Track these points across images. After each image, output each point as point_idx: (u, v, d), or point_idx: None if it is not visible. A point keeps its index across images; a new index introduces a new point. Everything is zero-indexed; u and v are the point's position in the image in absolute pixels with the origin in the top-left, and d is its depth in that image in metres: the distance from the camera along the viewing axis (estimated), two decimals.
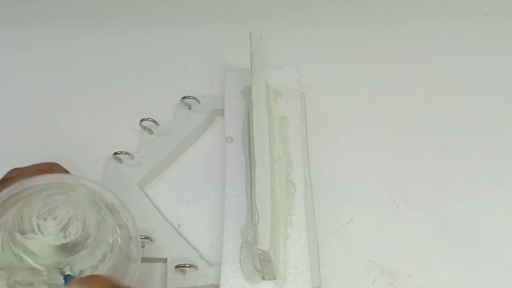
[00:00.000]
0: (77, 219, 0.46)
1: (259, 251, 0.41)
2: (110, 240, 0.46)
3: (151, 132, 0.55)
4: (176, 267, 0.47)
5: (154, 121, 0.54)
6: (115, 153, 0.53)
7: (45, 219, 0.45)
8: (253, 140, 0.47)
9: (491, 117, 0.57)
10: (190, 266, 0.47)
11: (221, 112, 0.56)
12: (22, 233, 0.44)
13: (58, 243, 0.42)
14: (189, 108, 0.57)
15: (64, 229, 0.45)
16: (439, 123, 0.57)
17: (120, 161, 0.53)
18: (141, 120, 0.54)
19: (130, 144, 0.56)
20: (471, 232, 0.50)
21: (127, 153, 0.53)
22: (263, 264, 0.43)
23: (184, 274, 0.47)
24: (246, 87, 0.56)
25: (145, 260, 0.49)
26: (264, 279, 0.45)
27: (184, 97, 0.56)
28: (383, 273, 0.48)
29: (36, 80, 0.61)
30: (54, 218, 0.45)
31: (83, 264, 0.45)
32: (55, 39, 0.64)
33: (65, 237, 0.45)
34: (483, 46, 0.62)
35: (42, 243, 0.44)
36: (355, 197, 0.52)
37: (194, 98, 0.56)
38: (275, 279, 0.45)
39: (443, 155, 0.55)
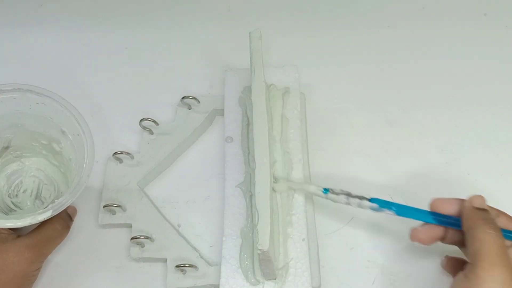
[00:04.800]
0: (45, 183, 0.48)
1: (259, 251, 0.41)
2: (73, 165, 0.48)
3: (151, 132, 0.55)
4: (176, 267, 0.47)
5: (154, 121, 0.54)
6: (115, 153, 0.53)
7: (16, 195, 0.48)
8: (253, 140, 0.47)
9: (491, 117, 0.57)
10: (190, 266, 0.47)
11: (221, 112, 0.56)
12: (6, 214, 0.48)
13: (39, 211, 0.43)
14: (189, 108, 0.56)
15: (37, 197, 0.48)
16: (439, 123, 0.57)
17: (120, 161, 0.53)
18: (141, 120, 0.54)
19: (130, 144, 0.56)
20: None
21: (127, 153, 0.53)
22: (263, 264, 0.43)
23: (184, 274, 0.47)
24: (246, 87, 0.56)
25: (145, 260, 0.49)
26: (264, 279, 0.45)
27: (184, 97, 0.56)
28: (383, 273, 0.48)
29: (36, 80, 0.61)
30: (24, 192, 0.48)
31: None
32: (55, 39, 0.64)
33: (42, 203, 0.48)
34: (483, 46, 0.62)
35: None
36: None
37: (194, 98, 0.56)
38: (275, 279, 0.45)
39: (443, 155, 0.55)
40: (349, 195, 0.45)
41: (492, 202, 0.52)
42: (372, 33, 0.64)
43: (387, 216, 0.51)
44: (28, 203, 0.49)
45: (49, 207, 0.43)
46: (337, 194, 0.46)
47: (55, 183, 0.50)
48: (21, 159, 0.51)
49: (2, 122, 0.48)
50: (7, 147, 0.50)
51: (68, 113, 0.47)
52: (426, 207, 0.52)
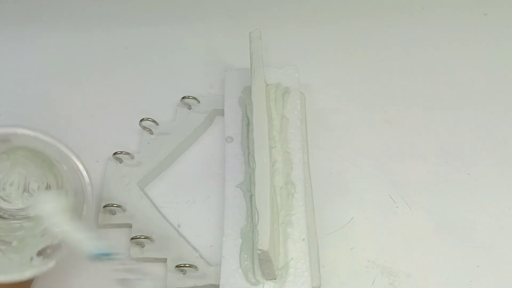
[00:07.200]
0: (33, 176, 0.48)
1: (259, 251, 0.41)
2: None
3: (151, 132, 0.55)
4: (176, 267, 0.47)
5: (154, 121, 0.54)
6: (115, 153, 0.53)
7: (3, 188, 0.47)
8: (253, 140, 0.47)
9: (491, 117, 0.57)
10: (190, 266, 0.47)
11: (221, 112, 0.56)
12: None
13: (29, 202, 0.43)
14: (189, 108, 0.57)
15: (25, 189, 0.47)
16: (439, 123, 0.57)
17: (120, 161, 0.53)
18: (141, 120, 0.54)
19: (130, 144, 0.56)
20: (471, 232, 0.50)
21: (127, 153, 0.53)
22: (263, 264, 0.43)
23: (184, 274, 0.47)
24: (246, 87, 0.56)
25: (145, 260, 0.49)
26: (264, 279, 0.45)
27: (184, 97, 0.56)
28: (383, 273, 0.48)
29: (36, 80, 0.61)
30: (11, 185, 0.47)
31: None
32: (55, 39, 0.64)
33: (31, 195, 0.47)
34: (483, 46, 0.62)
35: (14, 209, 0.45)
36: (355, 197, 0.52)
37: (194, 98, 0.56)
38: (275, 279, 0.45)
39: (443, 155, 0.55)
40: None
41: (492, 202, 0.52)
42: (372, 33, 0.64)
43: (387, 216, 0.51)
44: (16, 196, 0.49)
45: (52, 258, 0.43)
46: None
47: (43, 175, 0.50)
48: (6, 152, 0.50)
49: None
50: None
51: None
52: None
